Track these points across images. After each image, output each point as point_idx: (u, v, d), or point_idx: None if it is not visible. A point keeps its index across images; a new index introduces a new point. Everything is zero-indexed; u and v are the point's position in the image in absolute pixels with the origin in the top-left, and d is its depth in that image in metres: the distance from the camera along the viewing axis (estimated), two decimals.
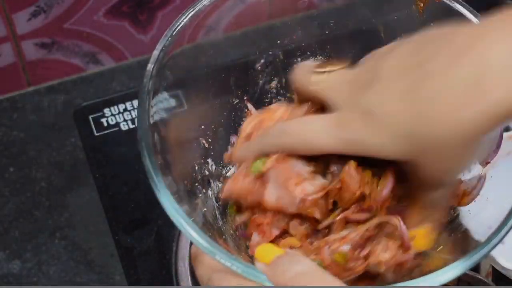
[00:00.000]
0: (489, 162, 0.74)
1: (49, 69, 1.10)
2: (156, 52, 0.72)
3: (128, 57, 1.14)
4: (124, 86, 1.12)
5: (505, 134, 0.74)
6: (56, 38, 1.07)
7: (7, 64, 1.07)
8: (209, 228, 0.74)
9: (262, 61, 0.84)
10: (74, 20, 1.05)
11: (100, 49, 1.11)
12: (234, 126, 0.85)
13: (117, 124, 1.06)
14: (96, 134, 1.05)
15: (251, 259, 0.74)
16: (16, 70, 1.08)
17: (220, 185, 0.82)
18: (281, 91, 0.88)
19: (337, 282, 0.59)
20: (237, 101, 0.85)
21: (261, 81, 0.86)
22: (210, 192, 0.80)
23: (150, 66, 0.71)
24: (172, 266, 0.94)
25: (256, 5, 0.82)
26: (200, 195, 0.78)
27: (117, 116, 1.07)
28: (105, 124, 1.06)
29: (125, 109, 1.07)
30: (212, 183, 0.82)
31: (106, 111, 1.07)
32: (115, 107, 1.07)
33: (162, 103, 0.73)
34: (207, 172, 0.81)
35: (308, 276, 0.56)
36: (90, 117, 1.06)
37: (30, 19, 1.03)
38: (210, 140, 0.82)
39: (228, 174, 0.82)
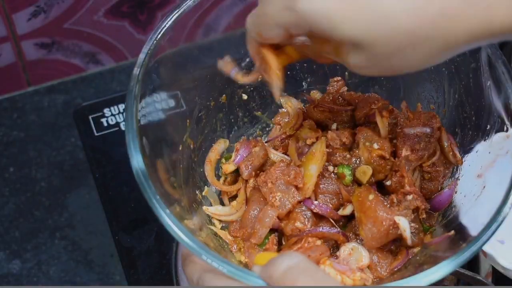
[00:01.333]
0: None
1: (49, 69, 1.10)
2: (141, 56, 0.71)
3: (128, 57, 1.14)
4: (124, 86, 1.12)
5: (503, 134, 0.74)
6: (56, 38, 1.07)
7: (7, 64, 1.07)
8: (201, 228, 0.74)
9: (246, 60, 0.84)
10: (74, 20, 1.05)
11: (100, 49, 1.11)
12: (220, 127, 0.85)
13: (117, 124, 1.06)
14: (96, 134, 1.05)
15: (239, 261, 0.74)
16: (16, 70, 1.08)
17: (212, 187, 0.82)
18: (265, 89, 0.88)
19: (327, 277, 0.59)
20: (223, 101, 0.84)
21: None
22: (198, 193, 0.80)
23: (136, 70, 0.70)
24: (172, 266, 0.94)
25: (256, 5, 0.82)
26: (191, 195, 0.78)
27: (117, 116, 1.07)
28: (105, 124, 1.06)
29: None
30: (200, 183, 0.81)
31: (106, 111, 1.07)
32: (115, 107, 1.07)
33: (150, 106, 0.72)
34: (196, 172, 0.81)
35: (299, 269, 0.57)
36: (90, 117, 1.06)
37: (30, 19, 1.03)
38: (198, 140, 0.82)
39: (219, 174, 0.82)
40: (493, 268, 0.88)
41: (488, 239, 0.64)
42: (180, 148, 0.77)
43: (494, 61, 0.72)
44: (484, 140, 0.76)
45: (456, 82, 0.80)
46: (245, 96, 0.86)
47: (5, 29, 1.02)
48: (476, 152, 0.77)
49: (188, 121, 0.79)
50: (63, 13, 1.04)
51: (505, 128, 0.73)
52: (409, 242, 0.71)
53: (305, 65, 0.87)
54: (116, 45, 1.11)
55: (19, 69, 1.08)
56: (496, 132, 0.74)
